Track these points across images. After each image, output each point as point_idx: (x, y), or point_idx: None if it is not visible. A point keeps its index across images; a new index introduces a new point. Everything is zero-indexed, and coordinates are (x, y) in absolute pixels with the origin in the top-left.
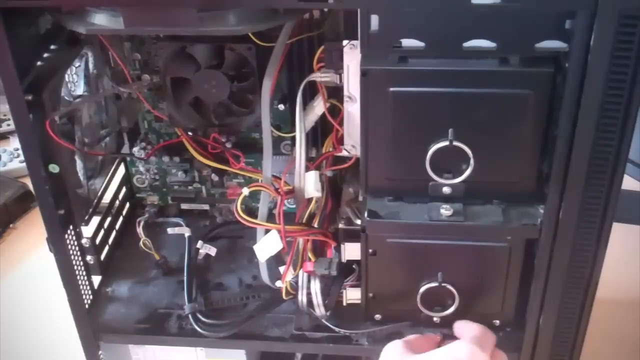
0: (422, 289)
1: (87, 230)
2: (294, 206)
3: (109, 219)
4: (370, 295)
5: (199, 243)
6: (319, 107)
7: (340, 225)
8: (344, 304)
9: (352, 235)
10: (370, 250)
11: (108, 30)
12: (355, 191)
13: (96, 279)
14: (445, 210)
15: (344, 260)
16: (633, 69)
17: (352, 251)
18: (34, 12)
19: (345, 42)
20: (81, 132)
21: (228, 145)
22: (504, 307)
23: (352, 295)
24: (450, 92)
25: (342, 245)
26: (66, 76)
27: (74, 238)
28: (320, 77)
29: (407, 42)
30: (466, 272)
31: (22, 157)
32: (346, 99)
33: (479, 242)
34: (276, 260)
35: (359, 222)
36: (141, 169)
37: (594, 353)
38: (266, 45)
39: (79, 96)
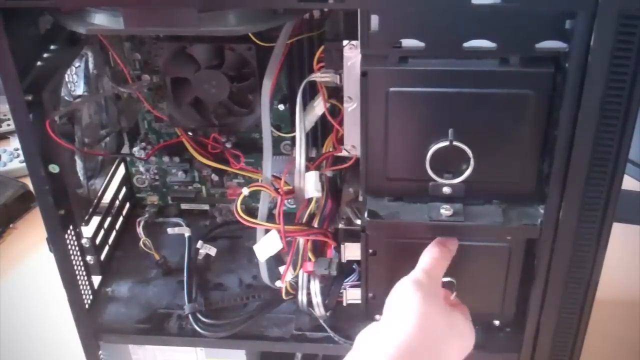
0: None
1: (87, 230)
2: (294, 206)
3: (109, 219)
4: (371, 295)
5: (199, 243)
6: (319, 107)
7: (340, 225)
8: (344, 304)
9: (352, 235)
10: (370, 251)
11: (108, 31)
12: (355, 191)
13: (96, 279)
14: (445, 210)
15: (344, 260)
16: (633, 69)
17: (352, 251)
18: (34, 12)
19: (345, 42)
20: (81, 132)
21: (228, 145)
22: (504, 307)
23: (352, 295)
24: (450, 92)
25: (342, 245)
26: (66, 76)
27: (74, 238)
28: (320, 77)
29: (407, 42)
30: (466, 272)
31: (22, 157)
32: (346, 99)
33: (479, 242)
34: (276, 260)
35: (359, 222)
36: (141, 169)
37: (594, 353)
38: (266, 45)
39: (79, 96)
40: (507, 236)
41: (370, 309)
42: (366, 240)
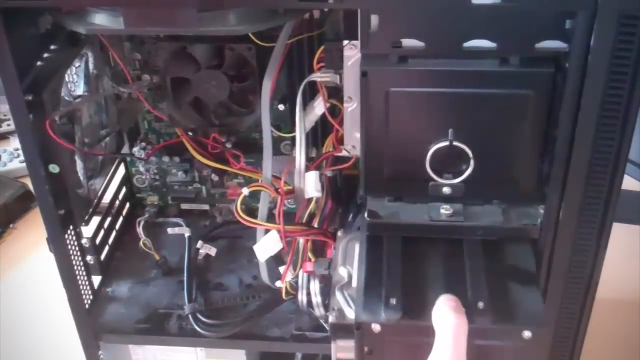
0: None
1: (87, 230)
2: (294, 206)
3: (109, 219)
4: None
5: (199, 243)
6: (319, 107)
7: (331, 319)
8: None
9: (345, 330)
10: (365, 349)
11: (108, 31)
12: (348, 273)
13: (96, 279)
14: (445, 211)
15: None
16: (633, 69)
17: (344, 351)
18: (34, 12)
19: (345, 42)
20: (81, 132)
21: (228, 145)
22: None
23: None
24: (450, 92)
25: (332, 344)
26: (66, 76)
27: (74, 238)
28: (320, 77)
29: (407, 42)
30: None
31: (22, 157)
32: (346, 99)
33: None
34: (276, 260)
35: (352, 314)
36: (141, 169)
37: (594, 353)
38: (266, 45)
39: (79, 96)
40: (507, 236)
41: None
42: (361, 337)
